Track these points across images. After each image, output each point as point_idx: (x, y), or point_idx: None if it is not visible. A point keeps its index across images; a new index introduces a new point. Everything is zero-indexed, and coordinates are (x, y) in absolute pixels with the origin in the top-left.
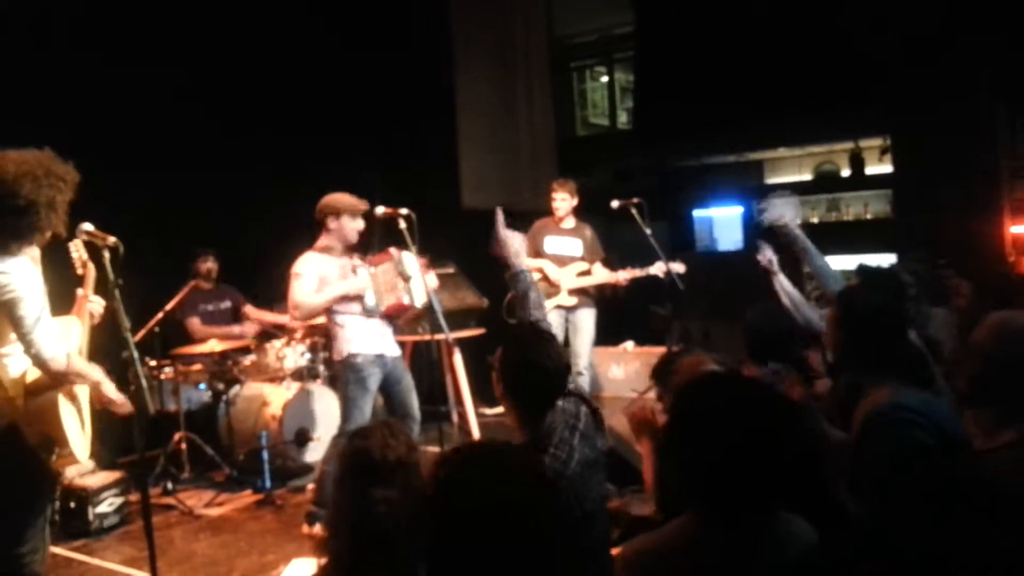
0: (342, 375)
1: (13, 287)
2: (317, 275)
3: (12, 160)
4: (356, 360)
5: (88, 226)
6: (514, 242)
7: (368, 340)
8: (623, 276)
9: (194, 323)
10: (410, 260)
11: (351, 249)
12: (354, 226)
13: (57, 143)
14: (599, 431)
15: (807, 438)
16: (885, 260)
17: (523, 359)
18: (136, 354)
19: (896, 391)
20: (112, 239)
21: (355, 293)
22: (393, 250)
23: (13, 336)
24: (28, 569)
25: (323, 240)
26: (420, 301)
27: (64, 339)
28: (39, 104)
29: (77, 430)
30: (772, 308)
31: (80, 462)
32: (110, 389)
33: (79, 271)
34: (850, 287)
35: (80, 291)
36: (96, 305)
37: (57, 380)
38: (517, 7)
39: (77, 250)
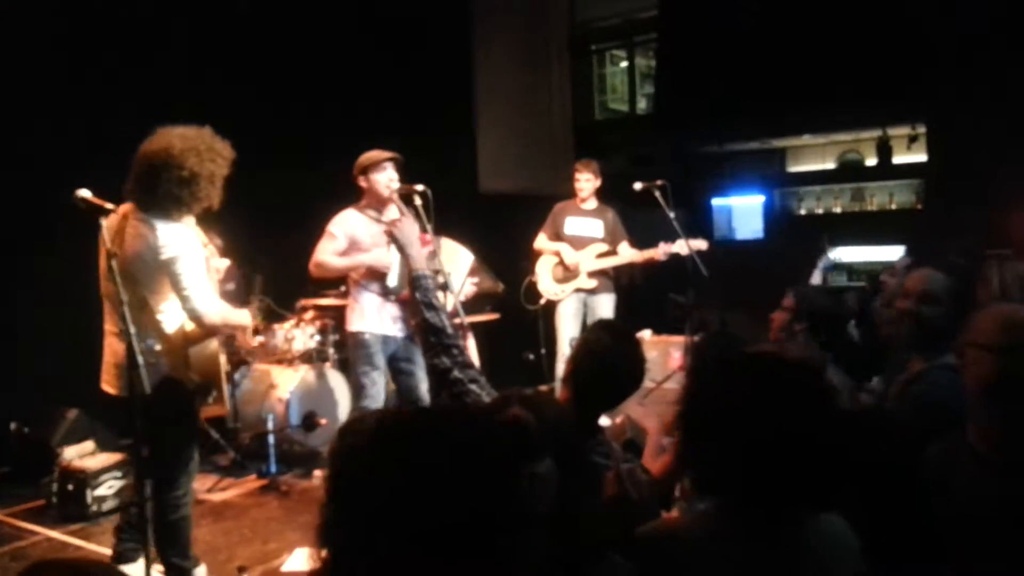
0: (352, 350)
1: (172, 247)
2: (347, 236)
3: (179, 135)
4: (364, 337)
5: (85, 192)
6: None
7: (379, 320)
8: (653, 253)
9: None
10: (461, 257)
11: (398, 204)
12: (384, 178)
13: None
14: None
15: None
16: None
17: (601, 348)
18: (133, 329)
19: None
20: (110, 205)
21: (379, 268)
22: (432, 238)
23: (170, 295)
24: (183, 511)
25: (362, 200)
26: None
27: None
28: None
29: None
30: (823, 289)
31: (227, 409)
32: (251, 334)
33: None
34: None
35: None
36: (220, 262)
37: (212, 333)
38: None
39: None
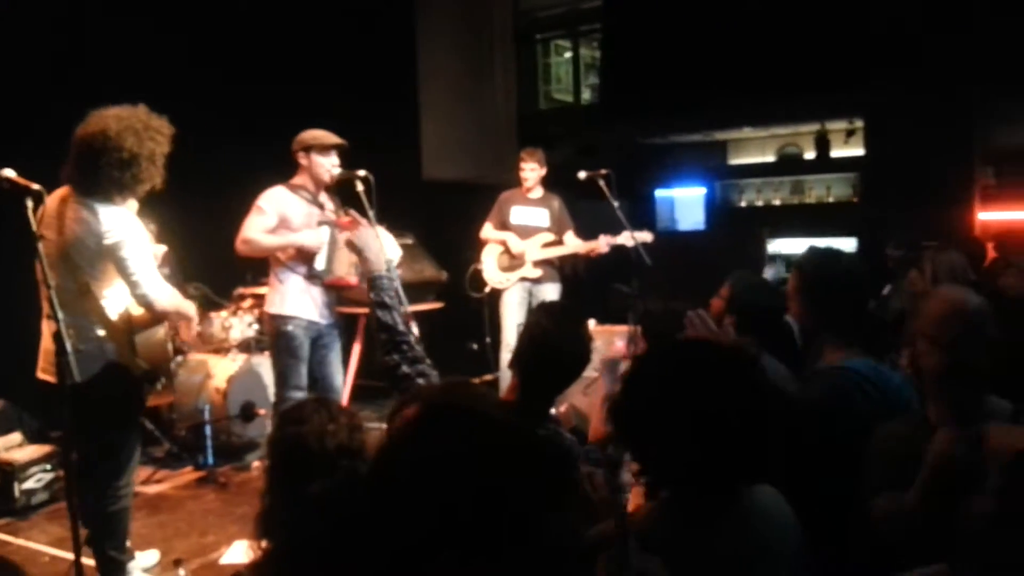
0: (273, 339)
1: (116, 232)
2: (278, 213)
3: (114, 116)
4: (287, 328)
5: (9, 172)
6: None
7: (303, 305)
8: (595, 245)
9: None
10: (388, 245)
11: (329, 193)
12: (325, 162)
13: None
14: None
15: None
16: (847, 244)
17: (541, 331)
18: (61, 315)
19: (848, 356)
20: (36, 186)
21: (310, 249)
22: (363, 221)
23: (114, 280)
24: (124, 503)
25: (296, 177)
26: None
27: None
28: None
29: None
30: (759, 281)
31: (173, 396)
32: (195, 326)
33: None
34: (808, 257)
35: None
36: (157, 248)
37: (160, 318)
38: None
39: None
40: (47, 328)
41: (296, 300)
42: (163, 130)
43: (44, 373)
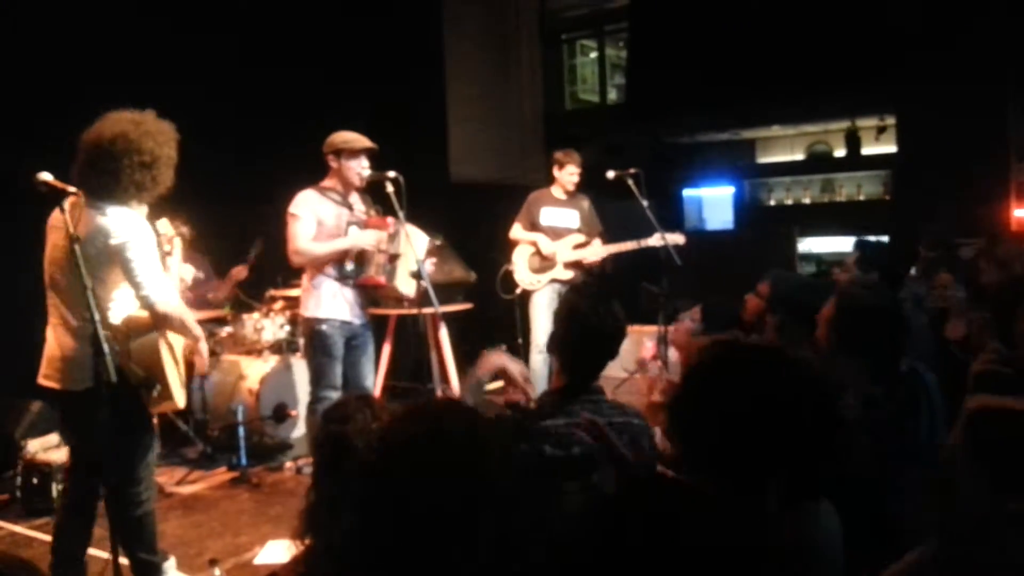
0: (307, 339)
1: (123, 233)
2: (314, 216)
3: (130, 120)
4: (322, 328)
5: (47, 175)
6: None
7: (336, 306)
8: (617, 248)
9: None
10: (416, 239)
11: (361, 193)
12: (356, 166)
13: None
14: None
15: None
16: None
17: (571, 309)
18: (98, 316)
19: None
20: (72, 189)
21: (364, 248)
22: (392, 221)
23: (120, 284)
24: (146, 507)
25: (326, 180)
26: (404, 286)
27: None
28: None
29: (175, 373)
30: (803, 280)
31: (178, 405)
32: (204, 346)
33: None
34: (851, 286)
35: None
36: (186, 271)
37: (160, 323)
38: None
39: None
40: (52, 334)
41: (329, 302)
42: (172, 134)
43: (46, 380)
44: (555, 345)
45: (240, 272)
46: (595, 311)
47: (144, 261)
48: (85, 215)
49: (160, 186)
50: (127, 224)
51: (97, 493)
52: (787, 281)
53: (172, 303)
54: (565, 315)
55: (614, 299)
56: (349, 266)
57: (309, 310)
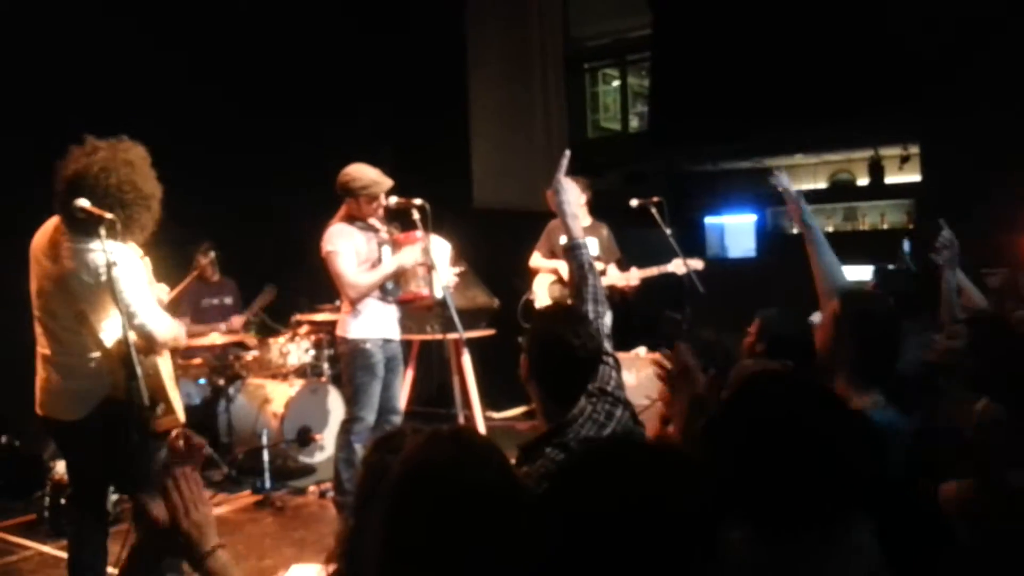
0: (350, 358)
1: (112, 262)
2: (352, 248)
3: (137, 154)
4: (366, 346)
5: (84, 202)
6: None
7: (380, 325)
8: (634, 277)
9: (183, 323)
10: (439, 247)
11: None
12: (373, 206)
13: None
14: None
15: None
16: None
17: (550, 334)
18: (132, 338)
19: (876, 405)
20: (109, 215)
21: (409, 267)
22: (420, 234)
23: (111, 310)
24: None
25: (345, 208)
26: (439, 292)
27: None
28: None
29: (173, 390)
30: (791, 312)
31: (180, 421)
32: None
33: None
34: (855, 289)
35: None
36: (160, 290)
37: (157, 349)
38: (533, 5)
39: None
40: (41, 364)
41: (375, 322)
42: (146, 163)
43: (44, 408)
44: (532, 373)
45: (237, 322)
46: (572, 332)
47: (134, 291)
48: (71, 244)
49: (156, 222)
50: (115, 254)
51: (101, 515)
52: (774, 316)
53: (168, 329)
54: (540, 341)
55: (586, 318)
56: (389, 284)
57: (351, 332)
